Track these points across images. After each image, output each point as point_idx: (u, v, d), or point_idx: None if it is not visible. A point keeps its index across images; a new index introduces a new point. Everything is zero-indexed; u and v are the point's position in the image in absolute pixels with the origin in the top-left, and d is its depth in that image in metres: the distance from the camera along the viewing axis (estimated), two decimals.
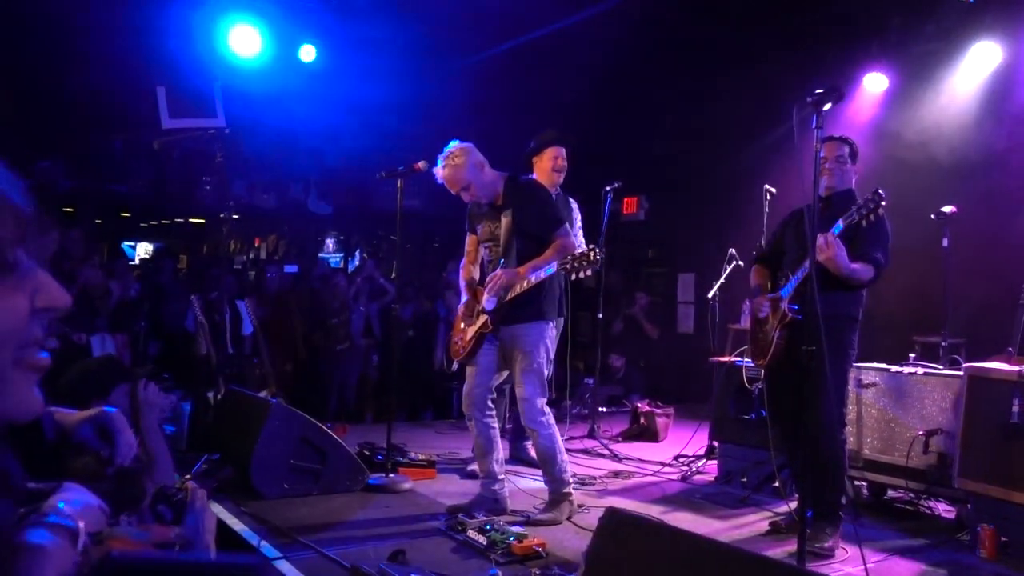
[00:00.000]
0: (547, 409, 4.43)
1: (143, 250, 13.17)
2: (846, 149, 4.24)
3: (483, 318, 4.40)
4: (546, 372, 4.45)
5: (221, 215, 6.61)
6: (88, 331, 6.36)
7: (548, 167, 5.48)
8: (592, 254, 4.05)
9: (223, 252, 7.48)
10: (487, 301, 4.39)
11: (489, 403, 4.54)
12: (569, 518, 4.35)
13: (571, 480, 4.54)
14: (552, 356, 4.57)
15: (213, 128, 6.16)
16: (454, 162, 4.37)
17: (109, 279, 7.20)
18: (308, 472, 4.74)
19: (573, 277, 4.25)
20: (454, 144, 4.46)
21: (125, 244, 12.52)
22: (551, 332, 4.49)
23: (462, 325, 4.57)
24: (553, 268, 4.22)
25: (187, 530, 1.53)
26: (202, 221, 12.12)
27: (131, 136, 9.44)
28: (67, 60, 7.54)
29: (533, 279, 4.25)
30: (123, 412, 3.80)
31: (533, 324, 4.37)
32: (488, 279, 4.39)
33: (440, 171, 4.43)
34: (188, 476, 1.81)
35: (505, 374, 4.59)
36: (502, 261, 4.39)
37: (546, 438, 4.37)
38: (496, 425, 4.58)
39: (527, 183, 4.60)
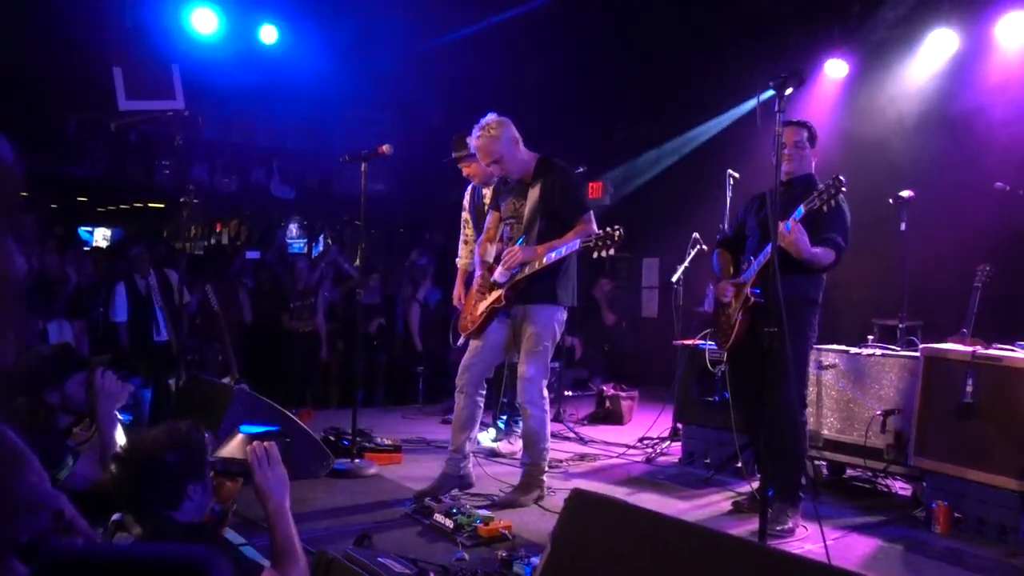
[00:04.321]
0: (547, 392, 4.46)
1: (101, 235, 12.91)
2: (804, 134, 4.26)
3: (496, 293, 4.40)
4: (550, 355, 4.46)
5: (181, 199, 6.48)
6: (45, 317, 6.23)
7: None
8: (616, 234, 4.06)
9: (183, 237, 7.36)
10: (500, 275, 4.39)
11: (483, 383, 4.56)
12: (536, 501, 4.37)
13: (547, 468, 4.56)
14: (559, 341, 4.56)
15: (171, 111, 6.02)
16: (489, 134, 4.37)
17: (66, 265, 7.05)
18: None
19: (595, 256, 4.23)
20: (491, 116, 4.44)
21: (82, 229, 12.26)
22: (561, 317, 4.48)
23: (473, 301, 4.57)
24: (575, 247, 4.20)
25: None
26: (162, 205, 11.90)
27: (87, 117, 9.22)
28: (20, 35, 7.33)
29: (552, 257, 4.24)
30: (79, 401, 3.72)
31: (547, 306, 4.39)
32: (504, 253, 4.39)
33: (474, 141, 4.41)
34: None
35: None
36: (521, 240, 4.39)
37: (538, 420, 4.41)
38: (482, 405, 4.60)
39: (560, 164, 4.55)
